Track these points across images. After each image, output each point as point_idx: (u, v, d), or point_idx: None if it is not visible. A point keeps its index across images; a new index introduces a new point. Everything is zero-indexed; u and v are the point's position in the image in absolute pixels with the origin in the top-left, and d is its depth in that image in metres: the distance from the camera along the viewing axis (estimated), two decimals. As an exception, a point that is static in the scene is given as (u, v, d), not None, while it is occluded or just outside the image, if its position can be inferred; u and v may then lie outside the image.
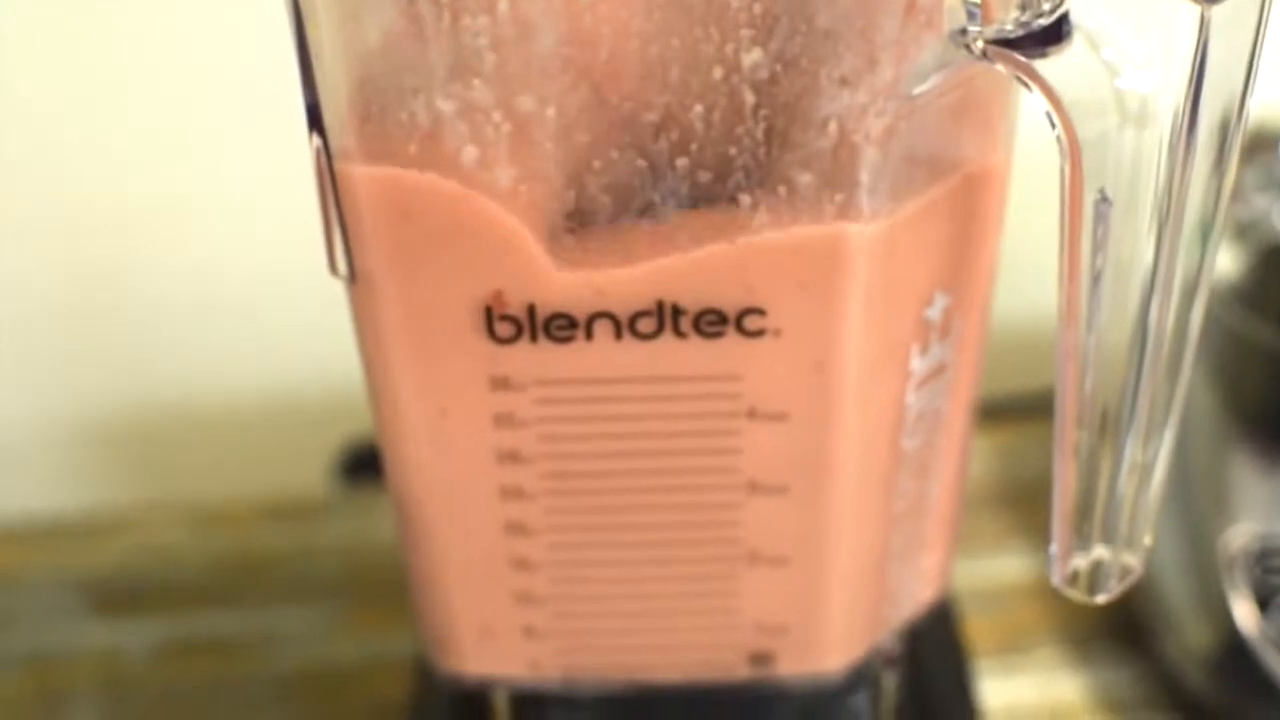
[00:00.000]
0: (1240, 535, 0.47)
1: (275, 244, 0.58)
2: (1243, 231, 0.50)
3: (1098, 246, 0.28)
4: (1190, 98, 0.27)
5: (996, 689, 0.48)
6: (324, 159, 0.29)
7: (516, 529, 0.34)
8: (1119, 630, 0.50)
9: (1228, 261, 0.50)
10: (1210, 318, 0.48)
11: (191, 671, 0.51)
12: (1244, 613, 0.46)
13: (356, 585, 0.54)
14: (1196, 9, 0.26)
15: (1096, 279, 0.29)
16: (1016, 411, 0.55)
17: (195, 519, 0.58)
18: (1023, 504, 0.56)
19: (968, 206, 0.31)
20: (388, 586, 0.51)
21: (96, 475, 0.65)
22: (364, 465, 0.59)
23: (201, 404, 0.64)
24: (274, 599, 0.54)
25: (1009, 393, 0.52)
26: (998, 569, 0.53)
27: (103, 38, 0.55)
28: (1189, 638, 0.47)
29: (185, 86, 0.56)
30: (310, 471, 0.61)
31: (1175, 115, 0.27)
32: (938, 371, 0.34)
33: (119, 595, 0.55)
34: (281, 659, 0.52)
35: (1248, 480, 0.48)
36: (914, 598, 0.39)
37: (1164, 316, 0.30)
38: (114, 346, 0.62)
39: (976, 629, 0.50)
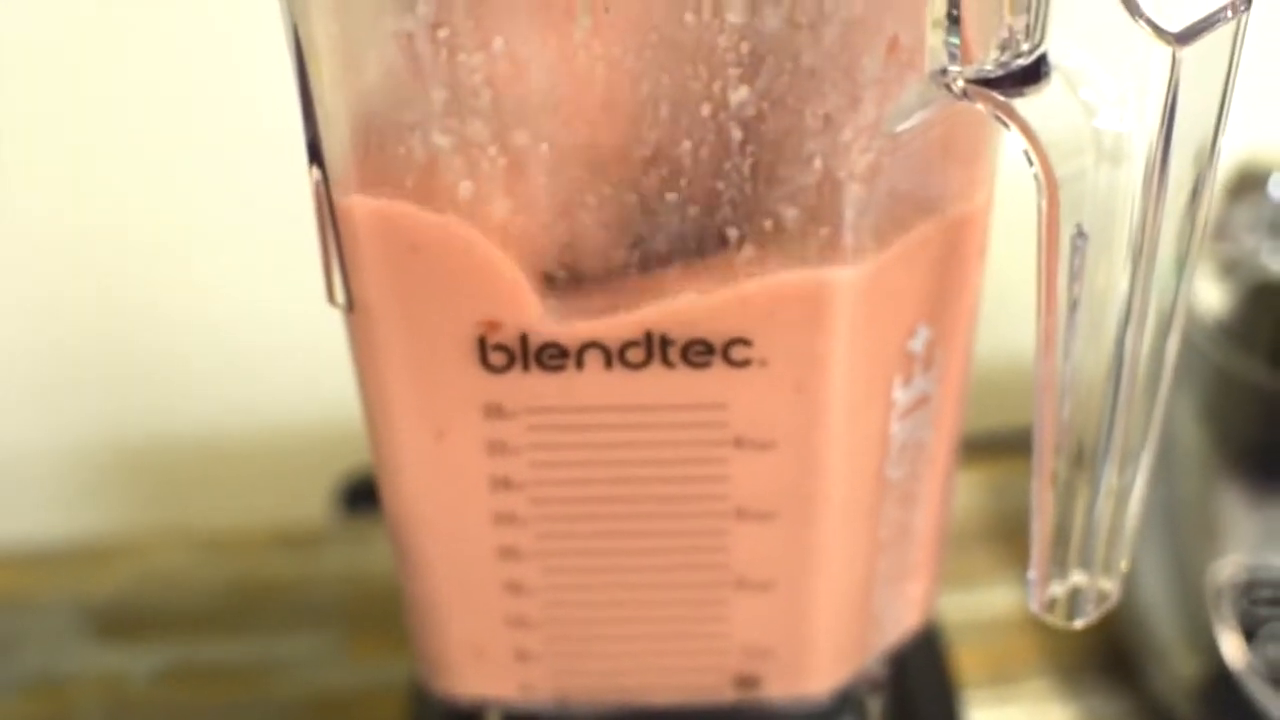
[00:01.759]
0: (1227, 567, 0.47)
1: (278, 274, 0.58)
2: (1231, 268, 0.51)
3: (1074, 277, 0.29)
4: (1162, 136, 0.27)
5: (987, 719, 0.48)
6: (323, 191, 0.30)
7: (509, 554, 0.34)
8: (1108, 661, 0.50)
9: (1216, 298, 0.50)
10: (1198, 353, 0.49)
11: (195, 697, 0.51)
12: (1231, 644, 0.46)
13: (357, 612, 0.54)
14: (1168, 50, 0.26)
15: (1073, 308, 0.29)
16: (1007, 447, 0.54)
17: (198, 546, 0.58)
18: (1013, 537, 0.56)
19: (951, 240, 0.32)
20: (388, 614, 0.51)
21: (100, 502, 0.64)
22: (364, 495, 0.59)
23: (205, 433, 0.63)
24: (276, 625, 0.54)
25: (999, 428, 0.52)
26: (988, 601, 0.53)
27: (105, 64, 0.55)
28: (1177, 669, 0.47)
29: (190, 115, 0.56)
30: (312, 501, 0.61)
31: (1149, 153, 0.27)
32: (921, 403, 0.34)
33: (123, 620, 0.55)
34: (284, 685, 0.52)
35: (1235, 513, 0.48)
36: (899, 623, 0.39)
37: (1139, 347, 0.30)
38: (117, 373, 0.62)
39: (967, 660, 0.50)
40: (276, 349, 0.61)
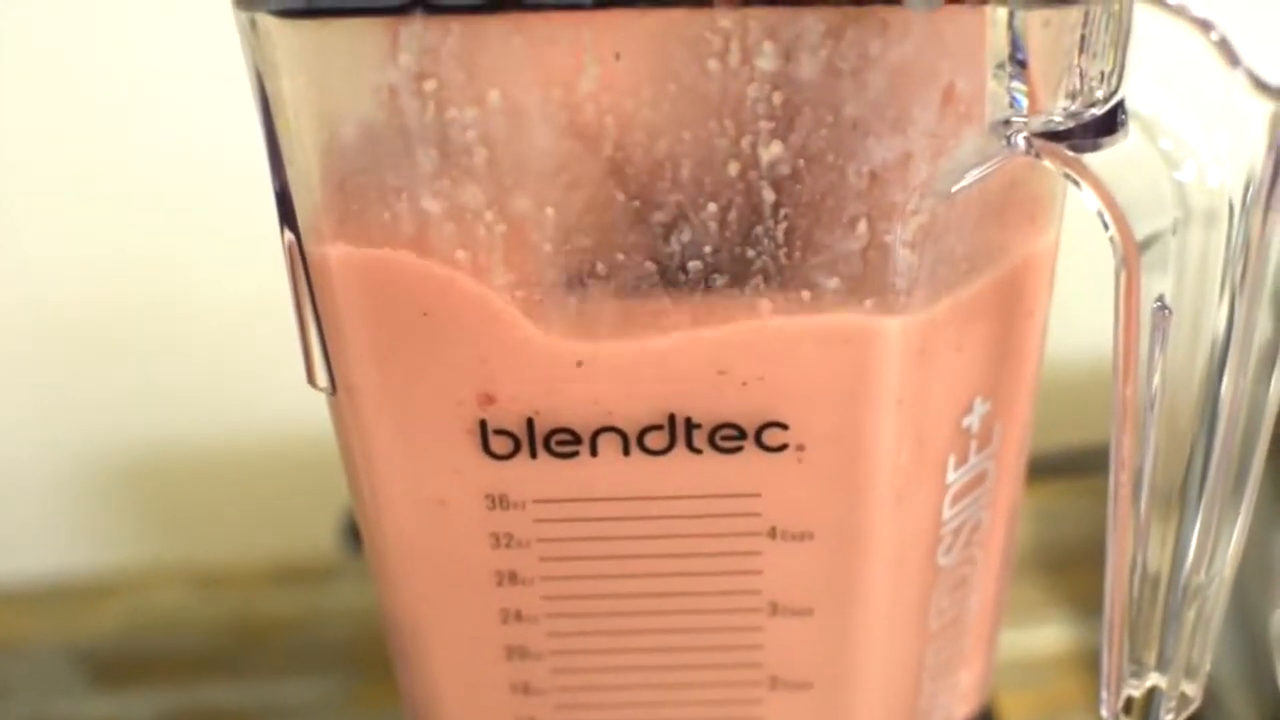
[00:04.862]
0: (1292, 613, 0.45)
1: (280, 297, 0.57)
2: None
3: (1154, 367, 0.26)
4: (1265, 199, 0.24)
5: (1034, 769, 0.46)
6: (298, 255, 0.27)
7: (517, 653, 0.32)
8: (1166, 709, 0.48)
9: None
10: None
11: (193, 746, 0.50)
12: (1294, 693, 0.44)
13: (366, 655, 0.52)
14: (1269, 107, 0.23)
15: (1153, 404, 0.26)
16: (1054, 470, 0.52)
17: (197, 581, 0.56)
18: (1061, 569, 0.54)
19: (1009, 307, 0.29)
20: (397, 656, 0.50)
21: (92, 535, 0.63)
22: (374, 526, 0.57)
23: (204, 460, 0.62)
24: (281, 668, 0.52)
25: (1046, 450, 0.50)
26: (1035, 639, 0.51)
27: (106, 69, 0.54)
28: (1236, 718, 0.45)
29: (191, 127, 0.55)
30: (318, 532, 0.58)
31: (1247, 215, 0.25)
32: (977, 482, 0.31)
33: (117, 664, 0.53)
34: (288, 734, 0.50)
35: (1301, 556, 0.46)
36: (949, 718, 0.37)
37: (1233, 428, 0.27)
38: (113, 399, 0.60)
39: (1012, 704, 0.48)
40: (278, 372, 0.59)
